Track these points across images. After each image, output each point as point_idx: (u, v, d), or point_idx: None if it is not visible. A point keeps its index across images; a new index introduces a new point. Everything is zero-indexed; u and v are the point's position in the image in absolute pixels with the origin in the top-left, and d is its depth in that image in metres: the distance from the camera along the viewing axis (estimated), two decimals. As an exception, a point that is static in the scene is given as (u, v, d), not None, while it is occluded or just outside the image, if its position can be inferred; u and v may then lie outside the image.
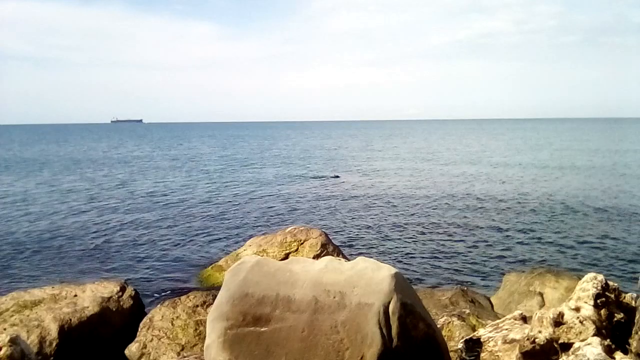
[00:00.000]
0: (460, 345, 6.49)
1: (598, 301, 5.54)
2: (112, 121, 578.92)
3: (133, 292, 11.39)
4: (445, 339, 6.91)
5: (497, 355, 5.95)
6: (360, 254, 16.71)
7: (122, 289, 11.29)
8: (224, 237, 21.39)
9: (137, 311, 11.16)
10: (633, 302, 5.72)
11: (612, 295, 5.70)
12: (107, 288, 11.21)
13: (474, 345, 6.29)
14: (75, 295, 10.79)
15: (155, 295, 14.18)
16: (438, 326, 7.16)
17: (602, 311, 5.51)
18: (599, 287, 5.62)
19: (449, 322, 8.03)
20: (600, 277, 5.77)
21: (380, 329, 5.11)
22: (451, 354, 6.32)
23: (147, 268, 17.03)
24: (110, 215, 25.96)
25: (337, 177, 42.98)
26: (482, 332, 6.52)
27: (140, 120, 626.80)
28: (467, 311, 9.00)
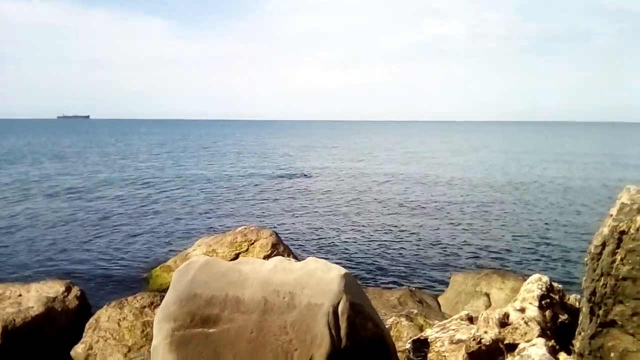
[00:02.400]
0: (408, 346, 6.55)
1: (543, 302, 5.65)
2: (58, 117, 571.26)
3: (79, 292, 11.23)
4: (394, 339, 6.96)
5: (444, 356, 6.02)
6: (310, 254, 16.74)
7: (68, 289, 11.12)
8: (173, 237, 21.16)
9: (83, 311, 11.00)
10: (577, 304, 5.85)
11: (557, 297, 5.83)
12: (53, 288, 11.03)
13: (421, 346, 6.36)
14: (20, 295, 10.60)
15: (102, 295, 13.93)
16: (387, 326, 7.21)
17: (547, 312, 5.63)
18: (544, 289, 5.74)
19: (397, 322, 8.11)
20: (545, 278, 5.89)
21: (330, 329, 5.13)
22: (399, 354, 6.38)
23: (94, 268, 16.75)
24: (54, 213, 25.44)
25: (288, 177, 43.00)
26: (429, 333, 6.59)
27: (88, 116, 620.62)
28: (415, 311, 9.10)
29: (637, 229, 4.12)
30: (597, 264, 4.44)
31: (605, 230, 4.39)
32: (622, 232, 4.22)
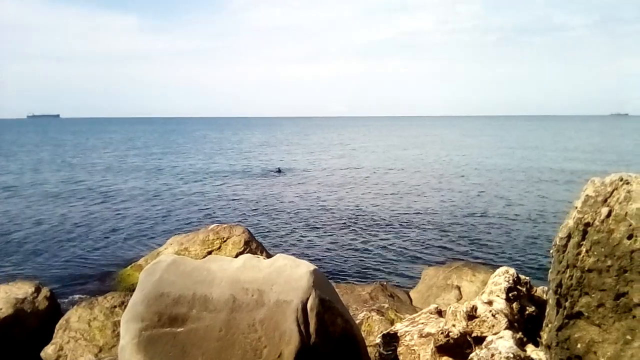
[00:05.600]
0: (378, 340, 6.55)
1: (510, 295, 5.68)
2: (28, 116, 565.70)
3: (48, 293, 11.09)
4: (365, 334, 6.97)
5: (413, 350, 6.03)
6: (284, 250, 16.72)
7: (37, 290, 10.98)
8: (145, 236, 21.02)
9: (53, 312, 10.87)
10: (544, 296, 5.89)
11: (524, 289, 5.86)
12: (21, 289, 10.88)
13: (391, 340, 6.36)
14: (-12, 297, 10.46)
15: (72, 296, 13.80)
16: (358, 321, 7.22)
17: (514, 304, 5.66)
18: (511, 281, 5.77)
19: (369, 317, 8.12)
20: (512, 270, 5.92)
21: (299, 325, 5.11)
22: (370, 348, 6.38)
23: (63, 268, 16.57)
24: (22, 213, 25.16)
25: (260, 174, 42.88)
26: (399, 327, 6.60)
27: (58, 115, 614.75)
28: (386, 306, 9.12)
29: (602, 221, 4.14)
30: (563, 256, 4.46)
31: (571, 222, 4.42)
32: (587, 224, 4.24)
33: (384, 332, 6.67)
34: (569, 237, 4.41)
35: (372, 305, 9.34)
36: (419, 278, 14.02)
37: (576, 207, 4.42)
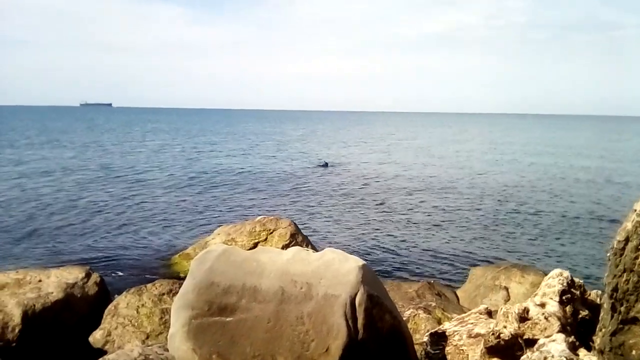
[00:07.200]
0: (425, 339, 6.50)
1: (563, 297, 5.57)
2: (80, 104, 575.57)
3: (98, 279, 11.24)
4: (411, 332, 6.92)
5: (462, 350, 5.97)
6: (329, 245, 16.71)
7: (87, 275, 11.13)
8: (193, 225, 21.20)
9: (102, 298, 10.99)
10: (598, 300, 5.77)
11: (578, 292, 5.75)
12: (72, 274, 11.04)
13: (439, 339, 6.31)
14: (40, 281, 10.62)
15: (121, 282, 13.98)
16: (404, 318, 7.17)
17: (567, 308, 5.55)
18: (565, 284, 5.66)
19: (415, 314, 8.06)
20: (566, 273, 5.81)
21: (346, 320, 5.10)
22: (416, 346, 6.34)
23: (113, 255, 16.81)
24: (76, 200, 25.59)
25: (307, 167, 42.90)
26: (447, 326, 6.54)
27: (110, 104, 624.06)
28: (433, 304, 9.05)
29: (662, 225, 4.04)
30: (620, 260, 4.35)
31: (629, 226, 4.31)
32: (647, 228, 4.14)
33: (432, 330, 6.62)
34: (627, 240, 4.30)
35: (418, 303, 9.28)
36: (466, 277, 13.88)
37: (635, 210, 4.31)
